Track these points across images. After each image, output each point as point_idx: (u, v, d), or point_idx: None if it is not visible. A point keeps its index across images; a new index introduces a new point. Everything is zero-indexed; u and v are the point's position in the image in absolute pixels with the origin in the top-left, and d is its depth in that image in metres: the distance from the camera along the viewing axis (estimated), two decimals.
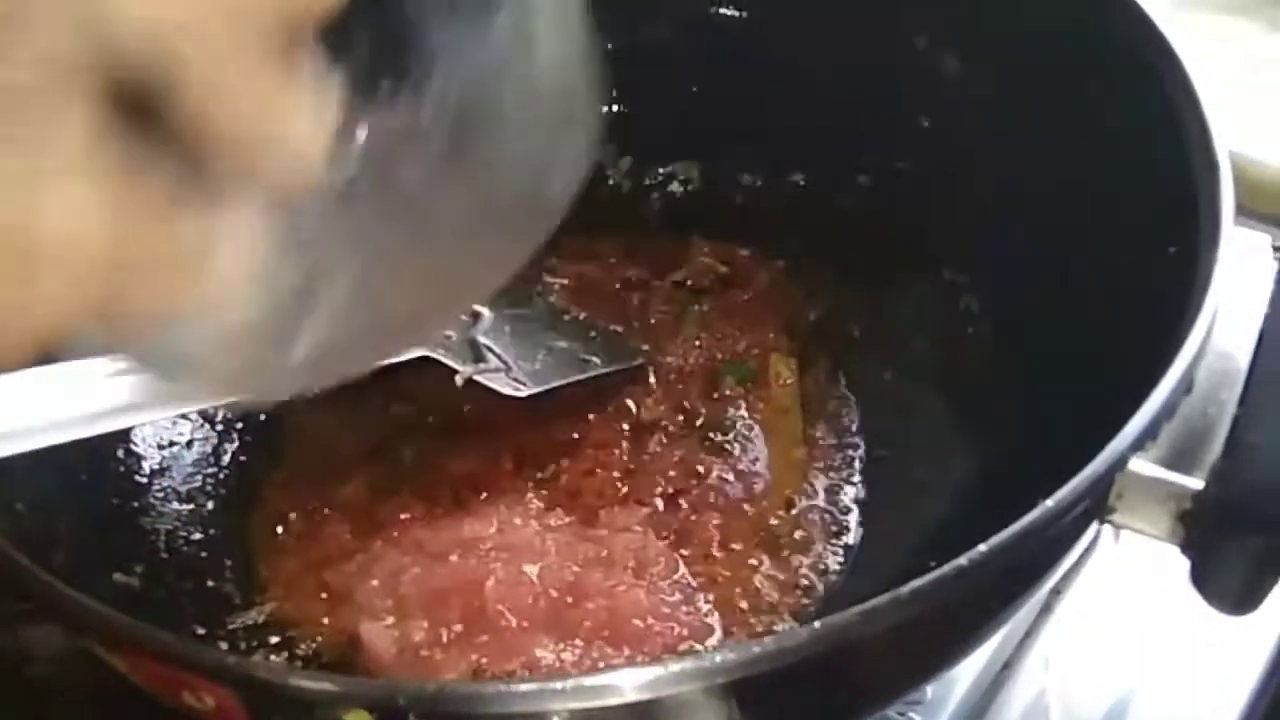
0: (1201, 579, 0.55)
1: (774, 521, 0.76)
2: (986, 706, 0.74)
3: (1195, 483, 0.54)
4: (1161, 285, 0.62)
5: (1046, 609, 0.78)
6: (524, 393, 0.79)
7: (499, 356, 0.80)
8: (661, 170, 0.95)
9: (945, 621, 0.54)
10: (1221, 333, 0.59)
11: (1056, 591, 0.78)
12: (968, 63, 0.84)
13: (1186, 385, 0.56)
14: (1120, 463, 0.54)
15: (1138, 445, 0.54)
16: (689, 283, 0.90)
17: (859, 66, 0.88)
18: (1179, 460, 0.56)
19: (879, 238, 0.87)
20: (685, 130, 0.94)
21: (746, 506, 0.77)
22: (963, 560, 0.50)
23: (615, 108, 0.95)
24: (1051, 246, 0.76)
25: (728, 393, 0.83)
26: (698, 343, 0.86)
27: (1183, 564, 0.55)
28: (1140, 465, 0.54)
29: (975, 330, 0.81)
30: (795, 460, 0.80)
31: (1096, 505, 0.54)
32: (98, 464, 0.74)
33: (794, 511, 0.77)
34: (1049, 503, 0.52)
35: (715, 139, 0.93)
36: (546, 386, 0.80)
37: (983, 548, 0.50)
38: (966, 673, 0.74)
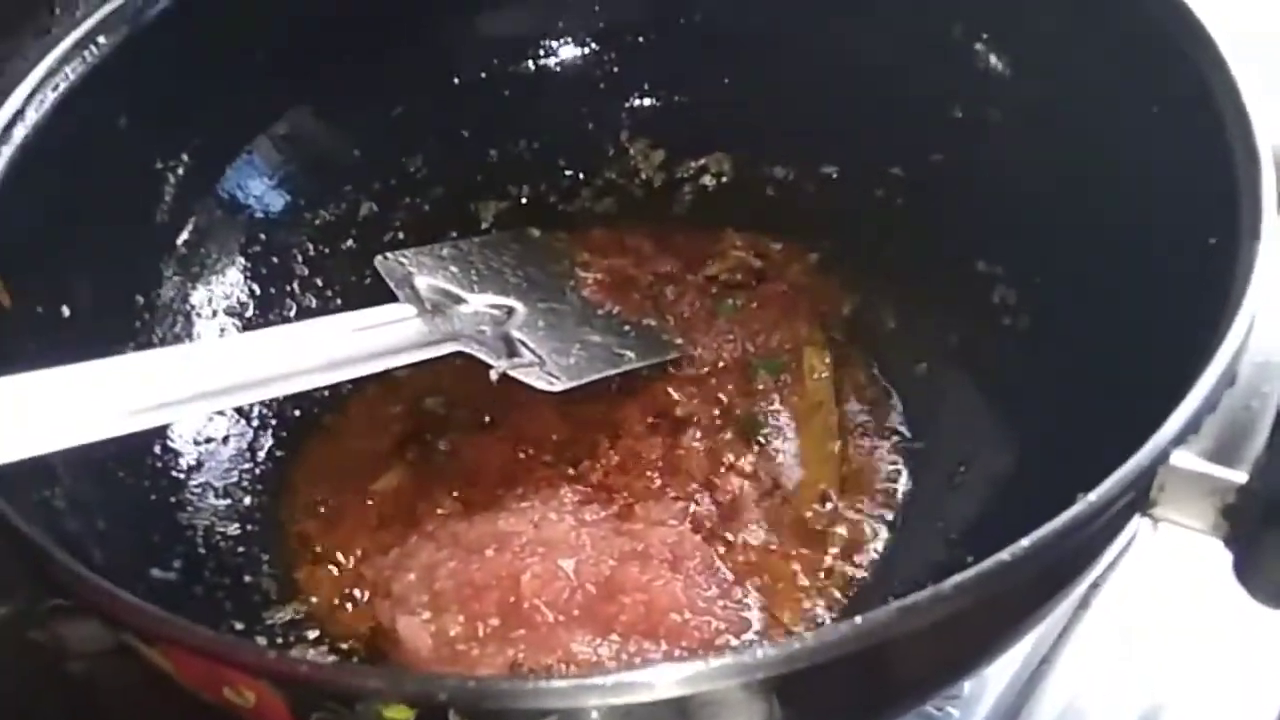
0: (1244, 572, 0.54)
1: (809, 515, 0.76)
2: (1024, 701, 0.74)
3: (1239, 476, 0.54)
4: (1202, 277, 0.62)
5: (1084, 604, 0.77)
6: (558, 387, 0.79)
7: (533, 351, 0.80)
8: (694, 163, 0.94)
9: (986, 616, 0.54)
10: (1264, 325, 0.58)
11: (1094, 585, 0.78)
12: (1002, 53, 0.84)
13: (1230, 378, 0.56)
14: (1163, 456, 0.53)
15: (1180, 439, 0.54)
16: (722, 277, 0.90)
17: (892, 57, 0.88)
18: (1222, 454, 0.56)
19: (912, 230, 0.87)
20: (718, 123, 0.94)
21: (782, 500, 0.77)
22: (1005, 555, 0.50)
23: (647, 101, 0.96)
24: (1088, 238, 0.75)
25: (761, 387, 0.83)
26: (730, 337, 0.86)
27: (1222, 557, 0.55)
28: (1182, 459, 0.54)
29: (1011, 322, 0.80)
30: (829, 454, 0.80)
31: (1139, 499, 0.54)
32: (135, 460, 0.75)
33: (829, 505, 0.77)
34: (1092, 497, 0.52)
35: (748, 131, 0.93)
36: (581, 381, 0.80)
37: (1025, 542, 0.50)
38: (1004, 667, 0.74)
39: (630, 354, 0.83)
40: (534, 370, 0.79)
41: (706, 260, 0.91)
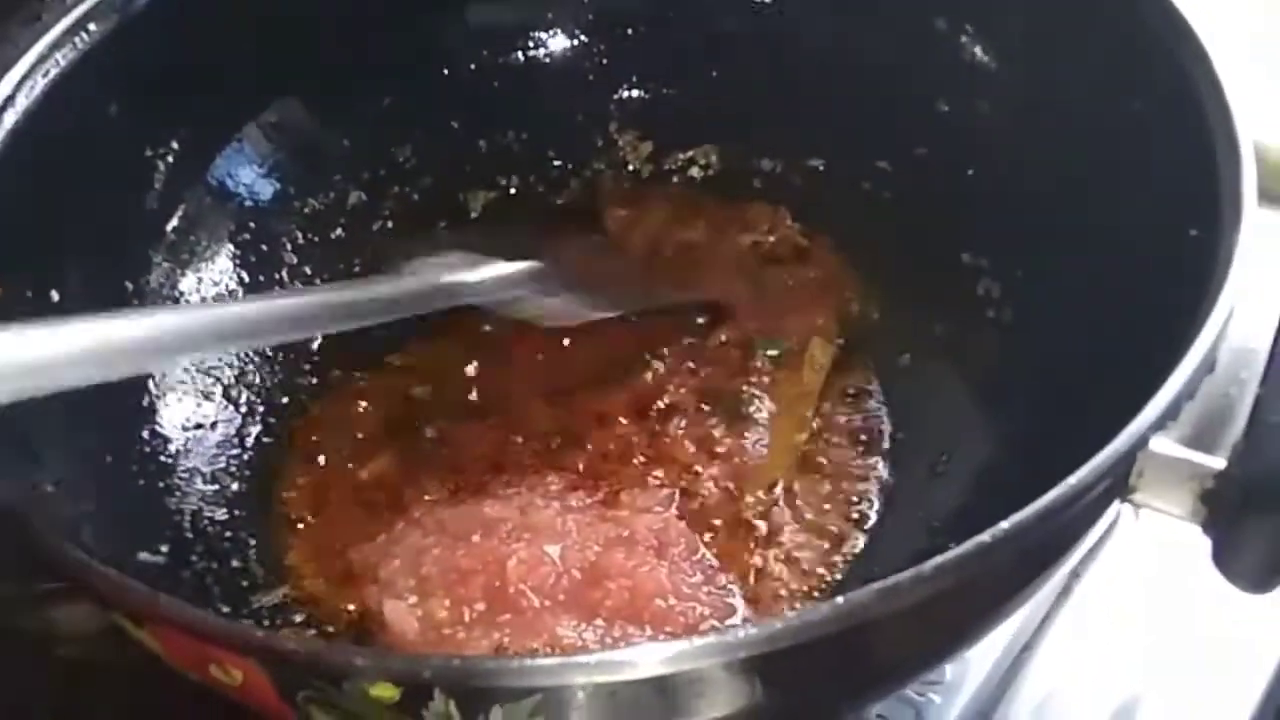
0: (1223, 558, 0.55)
1: (749, 500, 0.76)
2: (1005, 688, 0.74)
3: (1217, 462, 0.54)
4: (1183, 267, 0.63)
5: (1065, 591, 0.78)
6: (599, 315, 0.82)
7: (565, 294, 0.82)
8: (682, 155, 0.95)
9: (967, 599, 0.54)
10: (1243, 313, 0.59)
11: (1075, 574, 0.78)
12: (987, 47, 0.85)
13: (1209, 365, 0.56)
14: (1141, 441, 0.54)
15: (1159, 425, 0.54)
16: (766, 247, 0.90)
17: (878, 51, 0.88)
18: (1201, 440, 0.56)
19: (898, 222, 0.88)
20: (706, 115, 0.95)
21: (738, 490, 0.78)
22: (985, 537, 0.50)
23: (636, 93, 0.96)
24: (1071, 230, 0.76)
25: (758, 365, 0.83)
26: (752, 307, 0.87)
27: (1201, 547, 0.56)
28: (1162, 445, 0.55)
29: (995, 314, 0.81)
30: (793, 445, 0.80)
31: (1118, 484, 0.55)
32: (124, 445, 0.75)
33: (775, 493, 0.77)
34: (1071, 481, 0.52)
35: (735, 124, 0.94)
36: (622, 311, 0.83)
37: (1005, 525, 0.51)
38: (986, 654, 0.74)
39: (665, 289, 0.86)
40: (572, 308, 0.82)
41: (745, 229, 0.91)
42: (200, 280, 0.84)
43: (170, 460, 0.77)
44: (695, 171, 0.95)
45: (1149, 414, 0.54)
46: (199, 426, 0.80)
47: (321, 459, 0.81)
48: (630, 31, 0.96)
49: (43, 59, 0.75)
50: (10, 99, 0.73)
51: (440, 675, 0.49)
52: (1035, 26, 0.80)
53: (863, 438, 0.80)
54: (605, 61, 0.96)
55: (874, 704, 0.70)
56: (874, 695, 0.62)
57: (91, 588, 0.55)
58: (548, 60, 0.96)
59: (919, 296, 0.84)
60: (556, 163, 0.95)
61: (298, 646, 0.50)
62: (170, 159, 0.83)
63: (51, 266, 0.74)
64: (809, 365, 0.83)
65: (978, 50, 0.84)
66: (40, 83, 0.74)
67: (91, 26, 0.77)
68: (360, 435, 0.82)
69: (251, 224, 0.88)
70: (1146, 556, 0.79)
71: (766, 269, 0.89)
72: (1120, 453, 0.53)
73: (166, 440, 0.78)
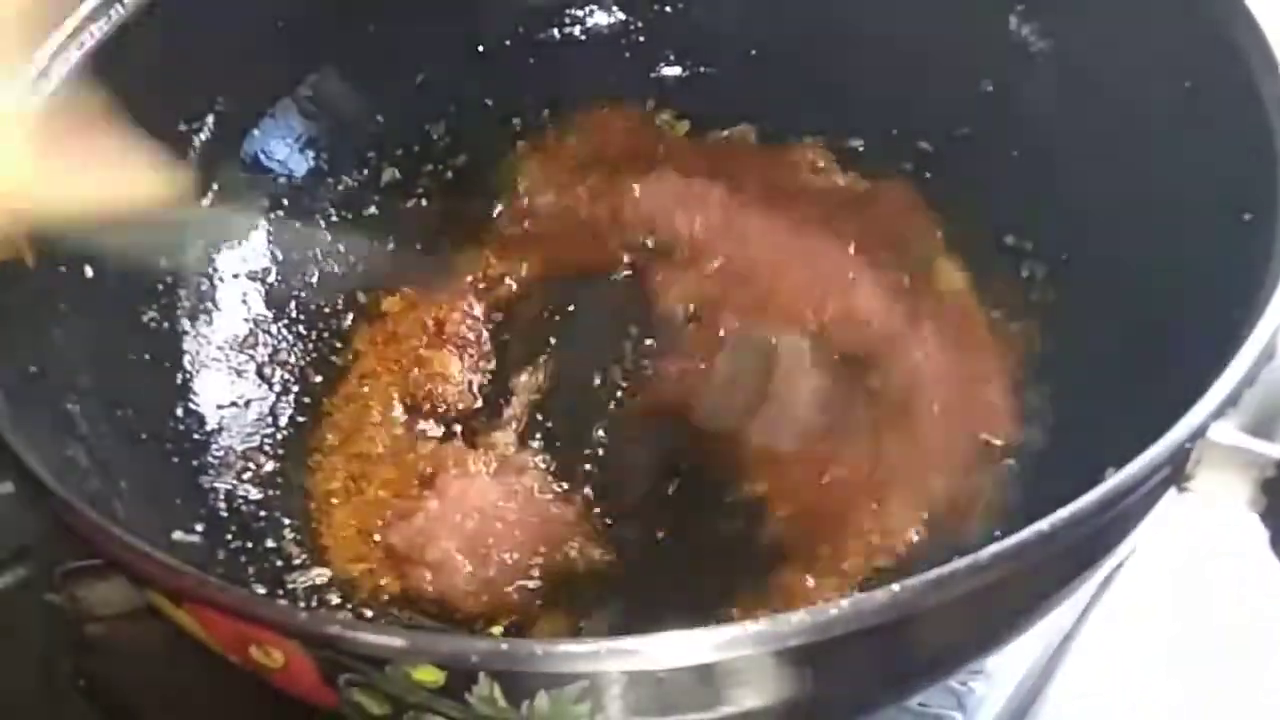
0: None
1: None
2: (1047, 677, 0.73)
3: (1278, 450, 0.53)
4: (1238, 251, 0.61)
5: (1107, 582, 0.77)
6: None
7: None
8: (719, 134, 0.93)
9: (1020, 588, 0.53)
10: None
11: (1118, 564, 0.77)
12: (1033, 25, 0.83)
13: (1270, 353, 0.55)
14: (1201, 429, 0.53)
15: (1218, 413, 0.53)
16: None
17: (920, 29, 0.87)
18: (1259, 428, 0.55)
19: (939, 204, 0.86)
20: (743, 94, 0.93)
21: None
22: (1044, 525, 0.49)
23: (673, 71, 0.95)
24: (1118, 212, 0.75)
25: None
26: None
27: (1259, 533, 0.54)
28: (1220, 432, 0.53)
29: (1039, 297, 0.80)
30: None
31: (1176, 472, 0.53)
32: (158, 423, 0.74)
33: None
34: (1131, 469, 0.51)
35: (773, 103, 0.92)
36: None
37: (1064, 513, 0.50)
38: (1027, 643, 0.73)
39: None
40: None
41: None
42: (234, 257, 0.84)
43: (204, 438, 0.77)
44: None
45: (1209, 402, 0.53)
46: (233, 405, 0.79)
47: (355, 437, 0.80)
48: (668, 8, 0.94)
49: (77, 31, 0.74)
50: (45, 72, 0.72)
51: (487, 660, 0.48)
52: (1085, 5, 0.79)
53: None
54: (643, 39, 0.95)
55: (917, 694, 0.69)
56: (920, 686, 0.61)
57: (132, 566, 0.54)
58: (584, 37, 0.95)
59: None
60: None
61: (342, 628, 0.49)
62: (204, 134, 0.82)
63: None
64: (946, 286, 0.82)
65: (1025, 29, 0.83)
66: (75, 55, 0.73)
67: None
68: (395, 411, 0.81)
69: (285, 201, 0.87)
70: (1191, 545, 0.77)
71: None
72: (1180, 440, 0.52)
73: (201, 419, 0.77)
